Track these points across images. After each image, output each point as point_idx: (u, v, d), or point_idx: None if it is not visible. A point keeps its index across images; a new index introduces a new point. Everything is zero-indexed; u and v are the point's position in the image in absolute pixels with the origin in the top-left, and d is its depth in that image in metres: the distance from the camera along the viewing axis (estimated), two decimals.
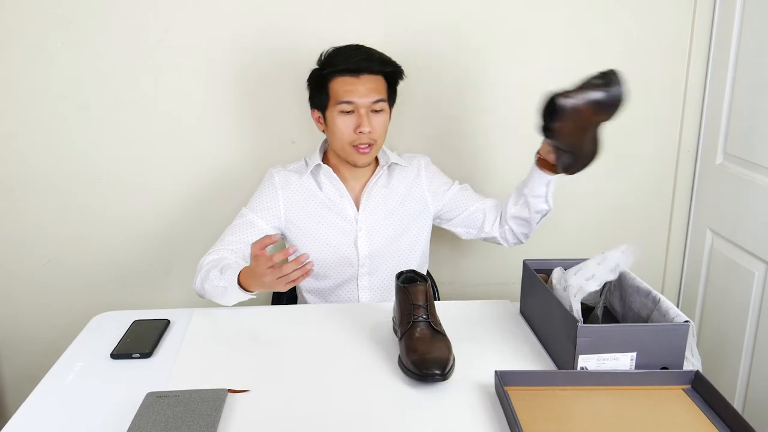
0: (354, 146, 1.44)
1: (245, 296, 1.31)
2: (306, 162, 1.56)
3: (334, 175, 1.52)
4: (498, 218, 1.57)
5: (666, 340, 1.05)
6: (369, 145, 1.44)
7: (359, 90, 1.41)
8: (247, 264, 1.29)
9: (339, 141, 1.45)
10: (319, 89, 1.46)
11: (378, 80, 1.44)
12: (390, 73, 1.47)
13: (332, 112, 1.43)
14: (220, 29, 1.71)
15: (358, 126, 1.42)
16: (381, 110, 1.45)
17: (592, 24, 1.77)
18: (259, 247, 1.19)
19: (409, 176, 1.58)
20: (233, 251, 1.45)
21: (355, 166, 1.49)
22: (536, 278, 1.25)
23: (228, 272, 1.31)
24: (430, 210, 1.59)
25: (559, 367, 1.13)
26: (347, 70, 1.41)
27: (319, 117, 1.50)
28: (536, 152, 1.43)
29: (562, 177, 1.42)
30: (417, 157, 1.62)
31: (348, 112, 1.42)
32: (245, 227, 1.49)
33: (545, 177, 1.44)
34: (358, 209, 1.52)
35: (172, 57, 1.72)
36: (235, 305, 1.37)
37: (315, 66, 1.49)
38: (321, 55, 1.48)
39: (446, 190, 1.59)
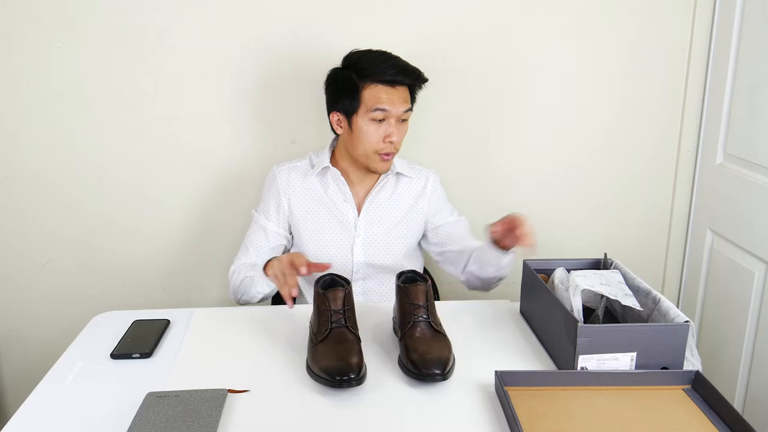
0: (379, 154, 1.44)
1: (270, 284, 1.37)
2: (311, 161, 1.55)
3: (342, 179, 1.51)
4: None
5: (666, 340, 1.05)
6: (391, 153, 1.45)
7: (394, 100, 1.40)
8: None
9: (364, 147, 1.44)
10: (349, 94, 1.42)
11: (407, 90, 1.44)
12: (416, 85, 1.47)
13: (362, 118, 1.42)
14: (221, 29, 1.71)
15: (388, 135, 1.41)
16: (406, 119, 1.45)
17: (592, 25, 1.77)
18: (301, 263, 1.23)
19: (414, 189, 1.57)
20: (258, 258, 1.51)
21: (376, 172, 1.49)
22: (536, 278, 1.25)
23: (256, 266, 1.43)
24: (426, 226, 1.59)
25: (559, 367, 1.13)
26: (384, 81, 1.40)
27: (340, 120, 1.47)
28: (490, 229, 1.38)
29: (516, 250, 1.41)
30: (426, 171, 1.60)
31: (380, 120, 1.41)
32: (260, 233, 1.53)
33: (496, 252, 1.42)
34: (359, 214, 1.52)
35: (173, 57, 1.72)
36: (235, 306, 1.38)
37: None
38: (348, 60, 1.45)
39: (447, 215, 1.58)
